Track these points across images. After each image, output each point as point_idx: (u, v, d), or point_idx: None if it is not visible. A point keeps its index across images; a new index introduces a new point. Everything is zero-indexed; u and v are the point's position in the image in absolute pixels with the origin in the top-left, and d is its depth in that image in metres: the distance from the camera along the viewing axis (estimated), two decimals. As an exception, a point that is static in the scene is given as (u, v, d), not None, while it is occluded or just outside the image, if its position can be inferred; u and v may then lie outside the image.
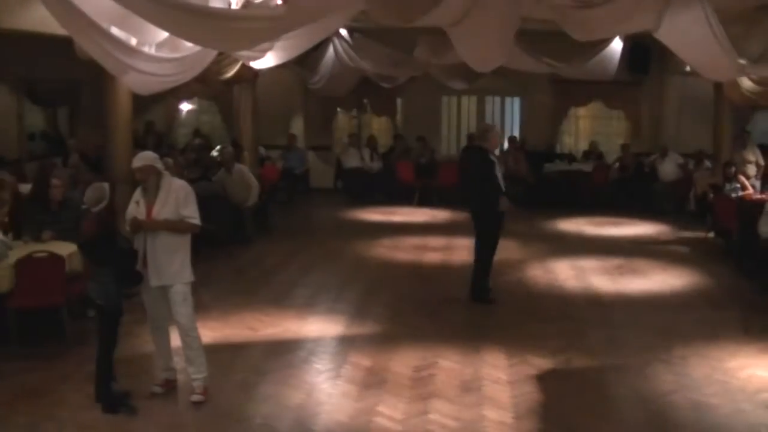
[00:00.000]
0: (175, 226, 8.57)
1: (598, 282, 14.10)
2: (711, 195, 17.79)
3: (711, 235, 17.59)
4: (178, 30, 9.81)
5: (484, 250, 12.69)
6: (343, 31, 18.71)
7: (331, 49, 19.69)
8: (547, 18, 11.17)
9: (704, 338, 11.07)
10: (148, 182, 8.57)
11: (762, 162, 19.50)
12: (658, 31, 9.56)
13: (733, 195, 16.67)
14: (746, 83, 15.68)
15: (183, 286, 8.58)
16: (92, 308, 9.88)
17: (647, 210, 21.33)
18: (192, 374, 8.68)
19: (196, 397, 8.58)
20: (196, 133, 23.31)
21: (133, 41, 10.69)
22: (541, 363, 10.03)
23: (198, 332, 8.78)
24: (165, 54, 11.05)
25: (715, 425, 8.32)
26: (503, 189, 12.38)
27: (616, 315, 12.29)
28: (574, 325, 11.69)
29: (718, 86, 18.16)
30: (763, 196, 16.02)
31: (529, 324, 11.63)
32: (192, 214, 8.64)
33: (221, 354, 10.00)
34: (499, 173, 12.39)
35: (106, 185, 8.74)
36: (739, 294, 13.61)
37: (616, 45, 18.48)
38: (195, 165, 18.08)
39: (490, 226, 12.55)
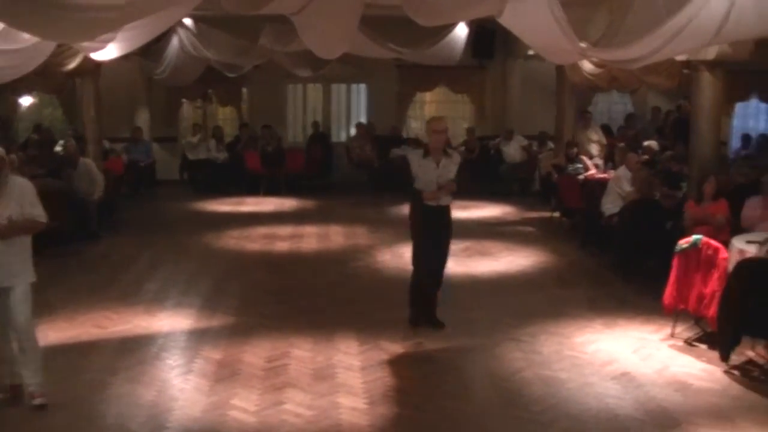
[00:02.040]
0: (21, 226, 8.27)
1: (447, 265, 14.24)
2: (555, 175, 18.19)
3: (556, 214, 17.99)
4: (13, 20, 9.50)
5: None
6: (188, 21, 18.43)
7: (175, 39, 19.37)
8: (391, 3, 11.20)
9: (552, 315, 11.36)
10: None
11: (604, 141, 20.00)
12: (502, 16, 9.66)
13: (577, 176, 17.07)
14: (587, 66, 16.08)
15: (25, 286, 8.30)
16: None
17: (493, 192, 21.72)
18: (27, 379, 8.39)
19: (38, 401, 8.29)
20: (37, 127, 22.63)
21: (-34, 33, 10.34)
22: (393, 348, 10.12)
23: (35, 335, 8.48)
24: (1, 46, 10.71)
25: (565, 399, 8.55)
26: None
27: (466, 297, 12.46)
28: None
29: (560, 69, 18.56)
30: (606, 175, 16.44)
31: (380, 309, 11.69)
32: (39, 212, 8.37)
33: (70, 354, 9.78)
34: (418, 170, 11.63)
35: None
36: (585, 271, 13.97)
37: (461, 30, 18.62)
38: (35, 161, 17.59)
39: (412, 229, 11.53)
